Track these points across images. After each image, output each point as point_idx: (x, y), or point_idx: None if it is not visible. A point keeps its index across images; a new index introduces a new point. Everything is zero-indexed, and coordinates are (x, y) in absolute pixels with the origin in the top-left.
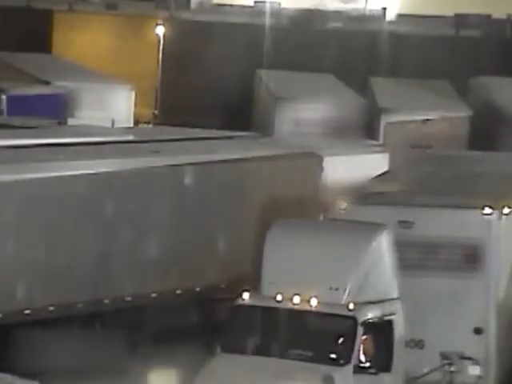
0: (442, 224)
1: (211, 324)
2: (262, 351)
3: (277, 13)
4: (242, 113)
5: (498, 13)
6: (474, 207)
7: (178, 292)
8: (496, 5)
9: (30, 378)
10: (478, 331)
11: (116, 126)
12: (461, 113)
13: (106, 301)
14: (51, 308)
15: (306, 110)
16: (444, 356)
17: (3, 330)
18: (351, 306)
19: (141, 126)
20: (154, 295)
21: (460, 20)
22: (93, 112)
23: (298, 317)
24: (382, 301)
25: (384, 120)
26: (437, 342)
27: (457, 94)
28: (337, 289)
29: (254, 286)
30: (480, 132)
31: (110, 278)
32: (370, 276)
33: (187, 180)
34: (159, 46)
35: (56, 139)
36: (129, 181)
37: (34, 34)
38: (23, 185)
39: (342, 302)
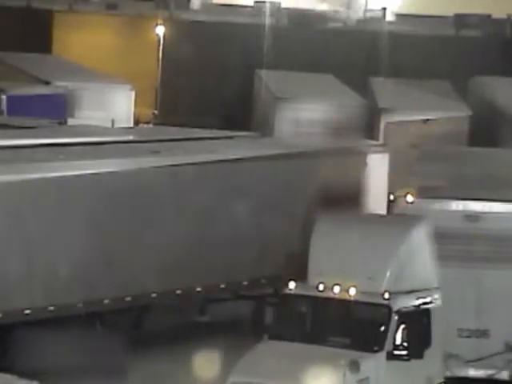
0: (508, 217)
1: (259, 313)
2: (303, 338)
3: (277, 13)
4: (241, 113)
5: (498, 13)
6: None
7: (178, 292)
8: (496, 5)
9: (29, 378)
10: None
11: (116, 125)
12: (461, 113)
13: (106, 301)
14: (51, 308)
15: (306, 110)
16: (509, 346)
17: (3, 330)
18: (386, 295)
19: (141, 125)
20: (153, 295)
21: (460, 20)
22: (93, 112)
23: (338, 305)
24: (419, 290)
25: (384, 120)
26: (502, 332)
27: (457, 94)
28: (374, 279)
29: (302, 277)
30: (480, 132)
31: (110, 278)
32: (408, 266)
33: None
34: (159, 46)
35: (56, 139)
36: (129, 181)
37: (34, 34)
38: (23, 185)
39: (379, 291)
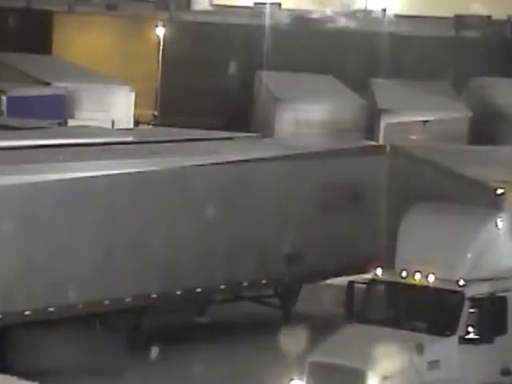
0: None
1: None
2: (385, 322)
3: (276, 14)
4: (242, 114)
5: (498, 14)
6: None
7: (178, 293)
8: (496, 6)
9: (30, 378)
10: None
11: (116, 126)
12: (461, 113)
13: (106, 302)
14: (51, 308)
15: (306, 110)
16: None
17: (3, 331)
18: (461, 282)
19: (141, 126)
20: (154, 296)
21: (460, 21)
22: (93, 113)
23: (416, 291)
24: (496, 279)
25: (384, 121)
26: None
27: (457, 94)
28: (452, 267)
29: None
30: (480, 132)
31: (110, 279)
32: (485, 255)
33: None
34: (159, 47)
35: (56, 140)
36: (128, 182)
37: (34, 35)
38: (23, 186)
39: (456, 278)
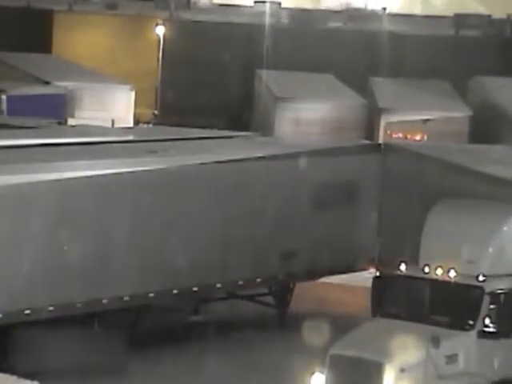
0: None
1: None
2: (407, 316)
3: (277, 13)
4: (242, 113)
5: (498, 13)
6: None
7: (175, 292)
8: (496, 5)
9: (30, 378)
10: None
11: (116, 125)
12: (461, 113)
13: (105, 301)
14: (51, 308)
15: (306, 109)
16: None
17: (3, 330)
18: (480, 278)
19: (141, 125)
20: (151, 295)
21: (460, 20)
22: (93, 112)
23: (438, 286)
24: None
25: (384, 120)
26: None
27: (457, 94)
28: (473, 262)
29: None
30: (480, 132)
31: (109, 278)
32: (506, 251)
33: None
34: (159, 46)
35: (56, 139)
36: (127, 182)
37: (34, 34)
38: (23, 185)
39: (476, 273)
